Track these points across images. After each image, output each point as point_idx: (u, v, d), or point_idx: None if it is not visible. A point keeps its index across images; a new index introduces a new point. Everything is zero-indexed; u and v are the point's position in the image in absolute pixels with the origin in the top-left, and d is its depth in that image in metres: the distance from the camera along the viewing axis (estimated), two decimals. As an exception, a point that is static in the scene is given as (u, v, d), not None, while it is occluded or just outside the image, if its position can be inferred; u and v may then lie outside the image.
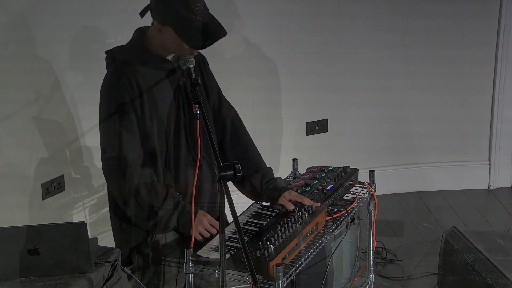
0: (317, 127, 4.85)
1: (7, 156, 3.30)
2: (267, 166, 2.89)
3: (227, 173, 2.15)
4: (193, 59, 2.62)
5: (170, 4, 2.55)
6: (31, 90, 3.39)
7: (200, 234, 2.64)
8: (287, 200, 2.73)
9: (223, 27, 2.60)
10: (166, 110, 2.68)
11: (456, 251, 3.40)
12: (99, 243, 2.49)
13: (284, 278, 2.28)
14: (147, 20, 2.66)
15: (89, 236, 2.32)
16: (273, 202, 2.78)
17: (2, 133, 3.26)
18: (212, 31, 2.57)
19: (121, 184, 2.62)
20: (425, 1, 4.81)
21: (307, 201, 2.72)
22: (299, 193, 2.81)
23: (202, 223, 2.65)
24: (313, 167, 3.19)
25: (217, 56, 4.15)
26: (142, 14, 2.65)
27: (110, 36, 3.68)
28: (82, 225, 2.26)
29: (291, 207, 2.70)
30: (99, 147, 2.69)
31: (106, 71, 2.71)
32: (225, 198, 2.15)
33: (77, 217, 3.67)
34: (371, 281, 3.24)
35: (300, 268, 2.40)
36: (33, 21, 3.35)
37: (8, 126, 3.29)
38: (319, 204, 2.73)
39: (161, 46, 2.65)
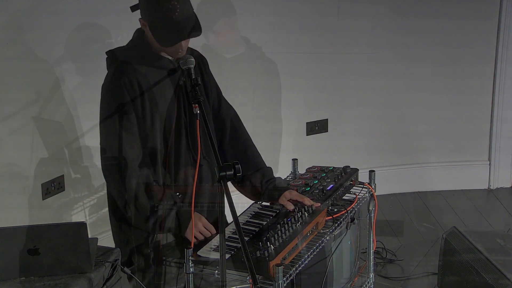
0: (317, 127, 4.84)
1: (7, 156, 3.29)
2: (267, 166, 2.89)
3: (227, 173, 2.15)
4: (193, 59, 2.62)
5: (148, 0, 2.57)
6: (31, 90, 3.39)
7: (194, 237, 2.63)
8: (287, 199, 2.73)
9: (199, 26, 2.59)
10: (166, 110, 2.68)
11: (456, 251, 3.40)
12: (99, 243, 2.49)
13: (284, 278, 2.28)
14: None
15: (89, 236, 2.32)
16: (274, 202, 2.78)
17: (2, 133, 3.26)
18: (184, 29, 2.55)
19: (120, 184, 2.62)
20: (425, 1, 4.81)
21: (307, 201, 2.71)
22: (299, 193, 2.80)
23: (197, 227, 2.64)
24: (313, 167, 3.19)
25: (217, 56, 4.16)
26: (133, 9, 2.67)
27: (110, 36, 3.67)
28: (82, 225, 2.26)
29: (291, 207, 2.70)
30: (99, 147, 2.69)
31: (106, 71, 2.71)
32: (225, 198, 2.15)
33: (77, 217, 3.67)
34: (371, 281, 3.24)
35: (300, 268, 2.40)
36: (33, 21, 3.35)
37: (8, 126, 3.29)
38: (319, 204, 2.73)
39: (155, 44, 2.65)
